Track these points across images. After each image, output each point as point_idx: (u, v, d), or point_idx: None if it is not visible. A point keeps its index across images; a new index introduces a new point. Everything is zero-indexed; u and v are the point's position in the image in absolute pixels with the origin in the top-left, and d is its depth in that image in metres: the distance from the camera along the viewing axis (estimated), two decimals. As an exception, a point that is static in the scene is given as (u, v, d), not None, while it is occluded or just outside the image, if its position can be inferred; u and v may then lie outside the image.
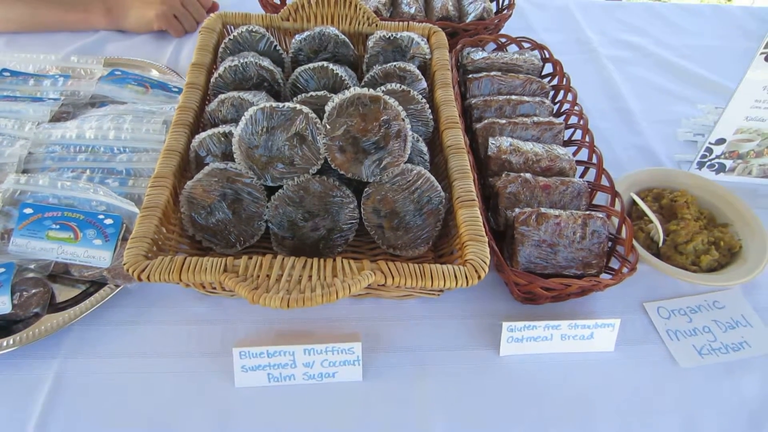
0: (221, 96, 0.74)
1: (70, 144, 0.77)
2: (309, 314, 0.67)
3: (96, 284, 0.66)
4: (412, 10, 1.02)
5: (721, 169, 0.85)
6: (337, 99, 0.65)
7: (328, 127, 0.64)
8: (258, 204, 0.66)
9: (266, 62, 0.80)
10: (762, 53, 0.72)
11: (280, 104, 0.65)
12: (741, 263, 0.72)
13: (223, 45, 0.84)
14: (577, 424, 0.60)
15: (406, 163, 0.67)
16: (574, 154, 0.80)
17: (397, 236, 0.68)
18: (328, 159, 0.65)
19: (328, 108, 0.65)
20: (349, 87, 0.80)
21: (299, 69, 0.81)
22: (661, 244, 0.73)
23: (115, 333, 0.63)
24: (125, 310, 0.65)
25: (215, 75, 0.79)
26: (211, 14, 0.90)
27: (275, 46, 0.85)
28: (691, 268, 0.71)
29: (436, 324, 0.67)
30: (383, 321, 0.67)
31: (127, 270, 0.55)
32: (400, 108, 0.66)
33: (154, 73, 0.95)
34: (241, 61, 0.79)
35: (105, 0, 1.05)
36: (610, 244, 0.69)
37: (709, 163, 0.84)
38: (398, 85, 0.76)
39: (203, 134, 0.70)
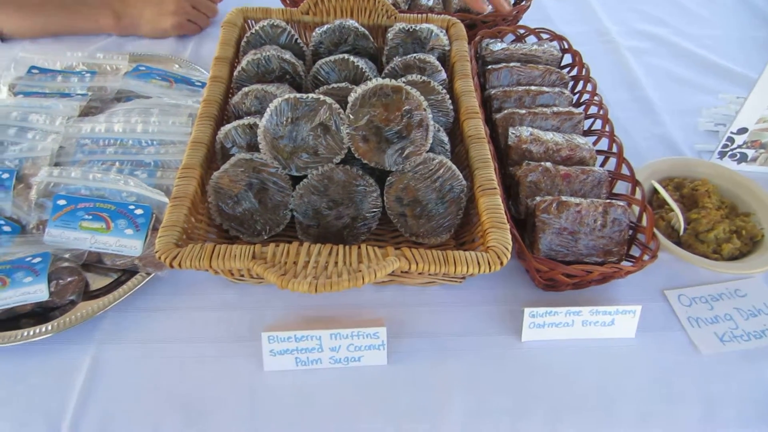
0: (245, 89, 0.76)
1: (99, 137, 0.80)
2: (335, 301, 0.68)
3: (128, 272, 0.69)
4: (430, 3, 1.02)
5: (743, 158, 0.85)
6: (360, 90, 0.67)
7: (351, 117, 0.66)
8: (284, 193, 0.68)
9: (288, 55, 0.82)
10: (784, 40, 0.71)
11: (304, 95, 0.67)
12: (763, 251, 0.72)
13: (245, 39, 0.86)
14: (597, 409, 0.61)
15: (427, 152, 0.69)
16: (594, 143, 0.81)
17: (420, 224, 0.69)
18: (352, 148, 0.66)
19: (351, 98, 0.66)
20: (370, 78, 0.82)
21: (320, 61, 0.82)
22: (682, 233, 0.73)
23: (148, 319, 0.65)
24: (157, 297, 0.67)
25: (238, 68, 0.81)
26: (233, 9, 0.92)
27: (296, 39, 0.87)
28: (712, 256, 0.71)
29: (458, 310, 0.68)
30: (407, 307, 0.68)
31: (159, 257, 0.57)
32: (422, 98, 0.67)
33: (177, 68, 0.97)
34: (264, 54, 0.80)
35: (116, 11, 1.07)
36: (630, 232, 0.69)
37: (730, 152, 0.84)
38: (419, 76, 0.77)
39: (228, 126, 0.71)
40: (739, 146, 0.83)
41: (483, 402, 0.61)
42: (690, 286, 0.72)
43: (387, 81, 0.67)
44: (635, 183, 0.72)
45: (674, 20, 1.14)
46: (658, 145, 0.90)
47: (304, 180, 0.68)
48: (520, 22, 1.07)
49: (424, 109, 0.67)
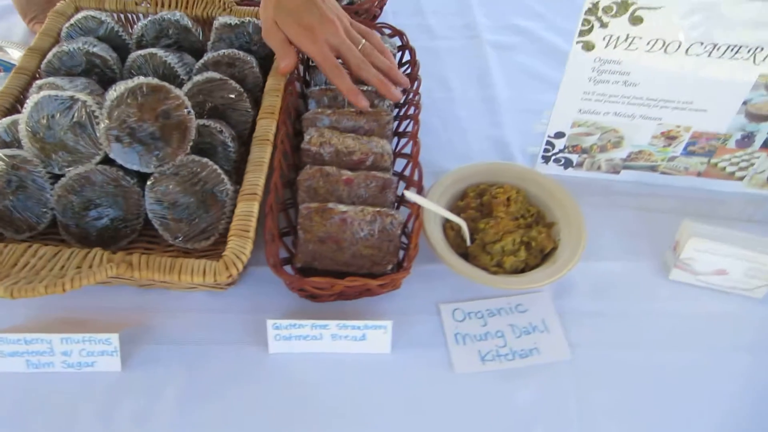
0: (38, 82, 0.75)
1: None
2: (96, 302, 0.67)
3: None
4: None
5: (569, 164, 0.81)
6: (121, 87, 0.65)
7: (105, 116, 0.64)
8: (42, 192, 0.67)
9: (98, 48, 0.80)
10: (578, 42, 0.67)
11: (60, 92, 0.65)
12: (550, 264, 0.68)
13: (64, 31, 0.84)
14: (344, 424, 0.59)
15: (194, 155, 0.67)
16: (404, 146, 0.77)
17: (180, 228, 0.67)
18: (105, 149, 0.65)
19: (109, 96, 0.65)
20: (179, 75, 0.80)
21: (132, 55, 0.81)
22: (469, 243, 0.70)
23: None
24: None
25: (45, 61, 0.80)
26: (66, -2, 0.90)
27: (117, 31, 0.85)
28: (492, 269, 0.68)
29: (218, 318, 0.66)
30: (167, 312, 0.66)
31: None
32: (185, 98, 0.65)
33: (14, 53, 0.95)
34: (69, 47, 0.79)
35: None
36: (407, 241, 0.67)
37: (554, 157, 0.80)
38: (216, 73, 0.75)
39: (5, 120, 0.70)
40: (561, 151, 0.79)
41: (227, 414, 0.59)
42: (472, 300, 0.69)
43: (148, 79, 0.65)
44: (420, 188, 0.69)
45: (552, 14, 1.08)
46: (491, 146, 0.86)
47: (63, 179, 0.66)
48: (385, 16, 1.04)
49: (186, 110, 0.65)
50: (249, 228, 0.61)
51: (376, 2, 0.99)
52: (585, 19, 0.65)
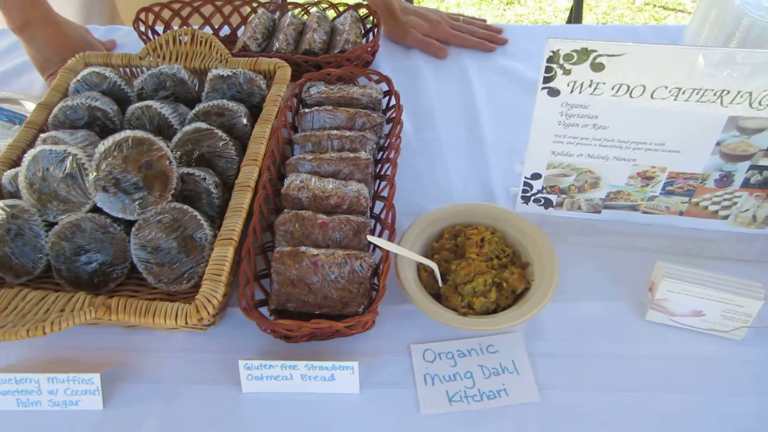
0: (42, 135, 0.81)
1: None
2: (82, 342, 0.70)
3: None
4: (278, 45, 1.04)
5: (549, 204, 0.81)
6: (109, 140, 0.70)
7: (93, 167, 0.69)
8: (38, 239, 0.71)
9: (99, 102, 0.86)
10: (543, 88, 0.69)
11: (55, 147, 0.70)
12: (521, 305, 0.69)
13: (71, 86, 0.91)
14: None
15: (176, 202, 0.71)
16: (384, 188, 0.80)
17: (163, 272, 0.70)
18: (94, 199, 0.69)
19: (98, 149, 0.69)
20: (172, 125, 0.85)
21: (131, 107, 0.86)
22: (441, 284, 0.71)
23: None
24: None
25: (51, 116, 0.86)
26: (77, 55, 0.97)
27: (120, 85, 0.91)
28: (461, 310, 0.69)
29: (197, 358, 0.69)
30: (151, 352, 0.70)
31: None
32: (167, 150, 0.70)
33: (30, 107, 1.03)
34: (72, 102, 0.85)
35: (26, 18, 1.03)
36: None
37: (534, 197, 0.81)
38: (203, 124, 0.80)
39: (10, 171, 0.76)
40: (539, 191, 0.80)
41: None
42: (444, 340, 0.70)
43: (134, 132, 0.70)
44: (392, 231, 0.71)
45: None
46: (475, 187, 0.88)
47: (56, 227, 0.71)
48: (379, 59, 1.08)
49: (168, 161, 0.69)
50: (222, 272, 0.65)
51: (368, 49, 1.03)
52: (547, 67, 0.67)
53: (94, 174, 0.68)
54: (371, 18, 1.11)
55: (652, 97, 0.67)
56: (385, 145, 0.88)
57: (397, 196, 0.84)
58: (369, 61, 1.07)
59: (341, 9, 1.13)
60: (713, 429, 0.62)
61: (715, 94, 0.66)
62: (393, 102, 0.94)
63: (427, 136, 0.97)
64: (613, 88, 0.67)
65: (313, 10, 1.12)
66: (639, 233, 0.81)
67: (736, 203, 0.76)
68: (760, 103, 0.65)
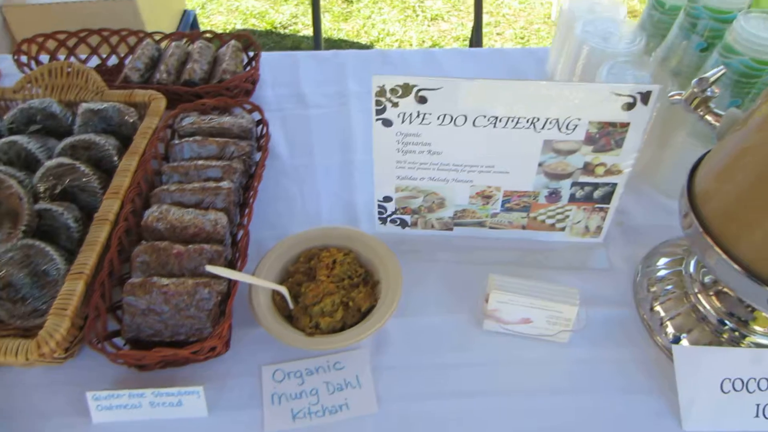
0: None
1: None
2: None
3: None
4: (158, 76, 1.07)
5: (404, 224, 0.87)
6: (-41, 182, 0.71)
7: (-59, 210, 0.70)
8: None
9: (-35, 139, 0.87)
10: (377, 119, 0.74)
11: None
12: (365, 322, 0.73)
13: (-62, 123, 0.91)
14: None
15: (29, 238, 0.72)
16: (244, 216, 0.83)
17: (16, 308, 0.72)
18: (-58, 240, 0.70)
19: (-53, 191, 0.71)
20: (40, 159, 0.86)
21: (-1, 142, 0.87)
22: (291, 307, 0.75)
23: None
24: None
25: None
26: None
27: (-12, 121, 0.92)
28: (309, 330, 0.73)
29: (50, 390, 0.71)
30: (2, 388, 0.71)
31: None
32: (18, 187, 0.72)
33: None
34: (-67, 140, 0.85)
35: None
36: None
37: (390, 218, 0.86)
38: (65, 158, 0.82)
39: None
40: (394, 213, 0.85)
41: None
42: (294, 360, 0.74)
43: (-17, 173, 0.71)
44: (243, 257, 0.75)
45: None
46: (341, 210, 0.92)
47: None
48: (262, 86, 1.12)
49: (19, 198, 0.71)
50: (68, 306, 0.67)
51: (246, 78, 1.06)
52: (377, 100, 0.72)
53: (-59, 215, 0.70)
54: (252, 47, 1.15)
55: (474, 125, 0.73)
56: (253, 172, 0.92)
57: (268, 222, 0.88)
58: (249, 90, 1.10)
59: (225, 39, 1.16)
60: (542, 425, 0.68)
61: (528, 121, 0.72)
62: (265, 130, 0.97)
63: (302, 161, 1.01)
64: (438, 118, 0.73)
65: (198, 41, 1.15)
66: (490, 247, 0.87)
67: (568, 216, 0.83)
68: (567, 128, 0.72)
